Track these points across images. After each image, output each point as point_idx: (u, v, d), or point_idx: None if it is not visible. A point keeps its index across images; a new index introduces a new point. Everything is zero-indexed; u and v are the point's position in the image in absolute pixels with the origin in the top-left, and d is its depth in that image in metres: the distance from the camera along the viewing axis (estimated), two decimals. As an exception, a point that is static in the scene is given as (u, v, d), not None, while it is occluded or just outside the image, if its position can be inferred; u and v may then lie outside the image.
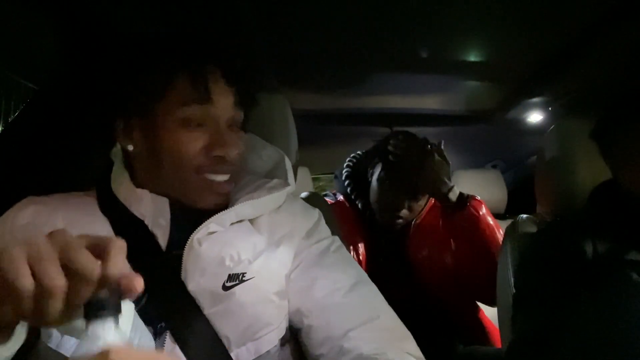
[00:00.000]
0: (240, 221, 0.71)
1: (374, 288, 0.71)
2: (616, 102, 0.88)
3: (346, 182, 1.52)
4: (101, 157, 0.79)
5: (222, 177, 0.68)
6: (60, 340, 0.55)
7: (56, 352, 0.54)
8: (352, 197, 1.49)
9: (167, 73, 0.65)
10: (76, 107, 1.02)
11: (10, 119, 1.18)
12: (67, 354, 0.53)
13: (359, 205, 1.46)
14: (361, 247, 1.40)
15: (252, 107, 0.75)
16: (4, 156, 0.94)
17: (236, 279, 0.64)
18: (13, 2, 0.87)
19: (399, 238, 1.43)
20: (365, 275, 0.73)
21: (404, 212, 1.37)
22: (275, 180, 0.76)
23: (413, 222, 1.42)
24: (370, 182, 1.43)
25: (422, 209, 1.43)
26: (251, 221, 0.72)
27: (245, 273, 0.64)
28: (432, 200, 1.43)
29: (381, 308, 0.68)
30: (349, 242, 1.39)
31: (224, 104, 0.67)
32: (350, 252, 1.35)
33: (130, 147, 0.68)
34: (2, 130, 1.18)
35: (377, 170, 1.41)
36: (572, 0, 0.96)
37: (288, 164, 0.81)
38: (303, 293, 0.67)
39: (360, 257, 1.40)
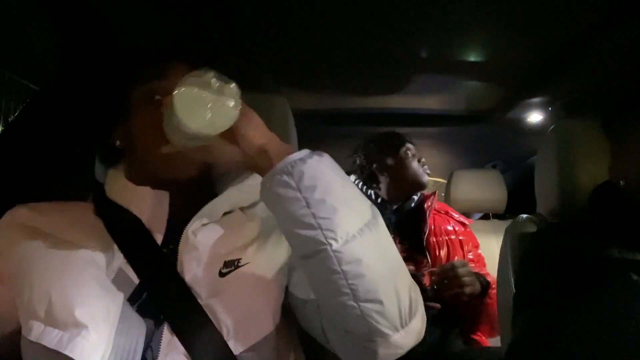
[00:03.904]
0: (233, 212, 0.72)
1: None
2: (629, 96, 0.88)
3: (356, 182, 1.64)
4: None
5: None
6: (42, 332, 0.55)
7: (37, 345, 0.54)
8: (364, 190, 1.59)
9: (133, 67, 0.71)
10: (76, 108, 1.02)
11: (10, 119, 1.18)
12: (50, 345, 0.54)
13: (372, 196, 1.57)
14: None
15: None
16: (3, 156, 0.94)
17: (232, 265, 0.64)
18: (13, 3, 0.87)
19: (415, 221, 1.55)
20: None
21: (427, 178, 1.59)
22: None
23: (428, 213, 1.56)
24: (380, 174, 1.60)
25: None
26: (245, 212, 0.73)
27: (241, 259, 0.65)
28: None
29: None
30: None
31: (178, 77, 0.69)
32: None
33: (118, 143, 0.72)
34: (2, 130, 1.18)
35: (384, 162, 1.59)
36: (572, 0, 0.96)
37: None
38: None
39: None
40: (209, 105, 0.53)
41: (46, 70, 1.02)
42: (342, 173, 0.58)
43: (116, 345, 0.55)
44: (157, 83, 0.69)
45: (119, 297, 0.58)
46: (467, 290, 1.24)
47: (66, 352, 0.53)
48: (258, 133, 0.57)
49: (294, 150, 0.56)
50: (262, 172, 0.57)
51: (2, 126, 1.24)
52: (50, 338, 0.54)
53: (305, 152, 0.56)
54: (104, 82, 0.80)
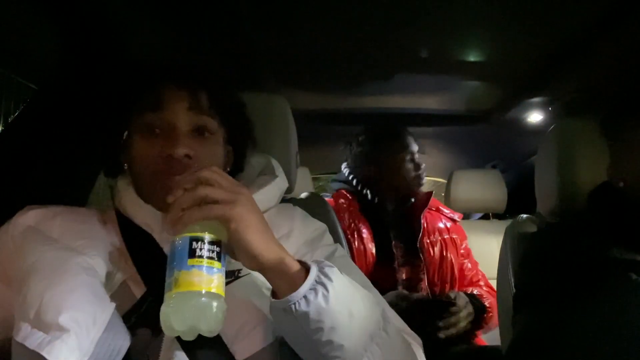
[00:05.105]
0: None
1: (378, 294, 0.72)
2: (629, 96, 0.88)
3: (351, 177, 1.63)
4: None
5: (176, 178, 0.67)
6: (28, 334, 0.55)
7: (22, 346, 0.55)
8: (359, 188, 1.59)
9: (133, 92, 0.73)
10: (76, 108, 1.02)
11: (10, 119, 1.18)
12: (31, 346, 0.54)
13: (368, 195, 1.56)
14: (368, 232, 1.49)
15: (226, 111, 0.76)
16: (3, 156, 0.94)
17: (232, 275, 0.65)
18: (14, 3, 0.87)
19: (409, 222, 1.56)
20: (369, 282, 0.74)
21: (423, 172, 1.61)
22: (263, 177, 0.79)
23: (422, 214, 1.56)
24: (383, 173, 1.57)
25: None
26: None
27: (241, 270, 0.66)
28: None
29: (388, 314, 0.68)
30: (357, 228, 1.48)
31: (175, 108, 0.70)
32: (358, 239, 1.46)
33: (125, 166, 0.73)
34: (2, 130, 1.18)
35: (388, 163, 1.56)
36: (572, 0, 0.96)
37: (275, 162, 0.85)
38: None
39: (368, 243, 1.46)
40: (194, 316, 0.52)
41: (46, 70, 1.02)
42: (350, 291, 0.57)
43: (96, 353, 0.55)
44: (153, 115, 0.70)
45: (110, 307, 0.59)
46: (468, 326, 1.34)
47: (43, 354, 0.53)
48: (255, 262, 0.56)
49: (296, 270, 0.55)
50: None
51: (2, 126, 1.24)
52: (33, 340, 0.54)
53: (309, 283, 0.53)
54: (105, 109, 0.83)
